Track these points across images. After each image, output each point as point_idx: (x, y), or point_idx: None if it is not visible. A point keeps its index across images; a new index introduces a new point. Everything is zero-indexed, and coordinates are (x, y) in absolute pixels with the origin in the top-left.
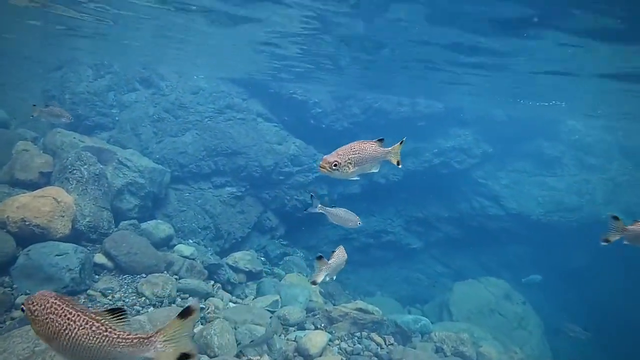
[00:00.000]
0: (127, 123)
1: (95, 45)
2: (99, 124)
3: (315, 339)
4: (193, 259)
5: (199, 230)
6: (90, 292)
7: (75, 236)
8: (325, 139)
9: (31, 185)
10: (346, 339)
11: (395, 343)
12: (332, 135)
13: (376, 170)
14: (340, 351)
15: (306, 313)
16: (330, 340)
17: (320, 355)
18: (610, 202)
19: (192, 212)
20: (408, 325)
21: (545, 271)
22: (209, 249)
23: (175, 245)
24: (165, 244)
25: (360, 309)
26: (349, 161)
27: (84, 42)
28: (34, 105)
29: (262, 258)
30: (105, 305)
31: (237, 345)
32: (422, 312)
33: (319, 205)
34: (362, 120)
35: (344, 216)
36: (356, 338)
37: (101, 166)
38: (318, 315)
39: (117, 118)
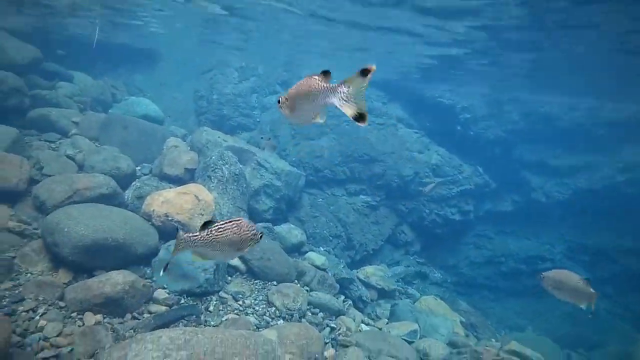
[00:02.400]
0: (267, 124)
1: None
2: (241, 125)
3: None
4: (324, 270)
5: (330, 238)
6: (222, 294)
7: None
8: (473, 148)
9: (177, 181)
10: None
11: None
12: (481, 145)
13: (321, 121)
14: None
15: (450, 349)
16: None
17: None
18: None
19: (324, 218)
20: None
21: None
22: (341, 260)
23: (306, 252)
24: (296, 249)
25: (515, 352)
26: (286, 102)
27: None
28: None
29: (388, 272)
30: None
31: None
32: (587, 359)
33: None
34: (521, 128)
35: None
36: None
37: (241, 166)
38: (465, 355)
39: (258, 119)
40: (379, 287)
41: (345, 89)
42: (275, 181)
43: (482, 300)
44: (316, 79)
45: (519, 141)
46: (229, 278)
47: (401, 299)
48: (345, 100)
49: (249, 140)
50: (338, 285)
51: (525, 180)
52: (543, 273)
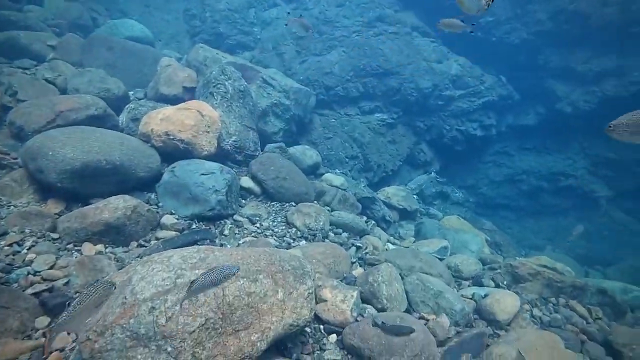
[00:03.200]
0: (268, 42)
1: None
2: (241, 43)
3: (505, 302)
4: (344, 190)
5: (347, 160)
6: (237, 217)
7: (221, 155)
8: (495, 55)
9: (175, 101)
10: (539, 304)
11: (605, 318)
12: (504, 51)
13: None
14: (533, 319)
15: (481, 265)
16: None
17: (510, 323)
18: None
19: (338, 139)
20: (616, 294)
21: None
22: (360, 180)
23: (323, 174)
24: (312, 172)
25: (547, 267)
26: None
27: None
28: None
29: (415, 196)
30: (253, 233)
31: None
32: (603, 275)
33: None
34: (549, 29)
35: None
36: (551, 305)
37: (245, 83)
38: (499, 270)
39: (258, 37)
40: (401, 207)
41: None
42: (283, 100)
43: (501, 221)
44: None
45: (545, 45)
46: (243, 201)
47: (422, 219)
48: None
49: (250, 60)
50: (360, 205)
51: (550, 89)
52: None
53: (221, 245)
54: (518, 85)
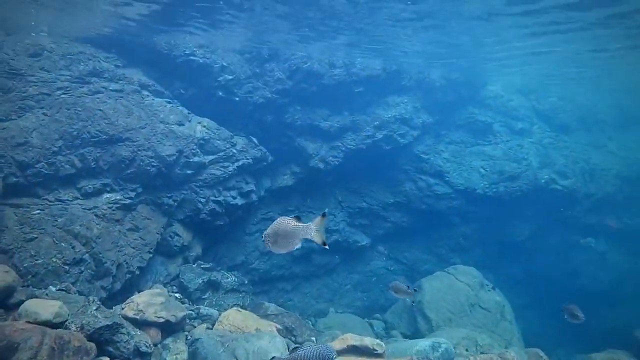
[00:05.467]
0: None
1: None
2: None
3: None
4: (61, 325)
5: (66, 267)
6: None
7: None
8: (241, 116)
9: None
10: None
11: None
12: (250, 111)
13: (298, 246)
14: None
15: None
16: None
17: None
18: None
19: (49, 239)
20: (427, 356)
21: (492, 246)
22: (91, 296)
23: (22, 302)
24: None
25: (355, 347)
26: (269, 237)
27: None
28: None
29: (177, 294)
30: None
31: None
32: (384, 322)
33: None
34: (289, 88)
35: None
36: None
37: None
38: None
39: None
40: (162, 320)
41: (314, 227)
42: None
43: (279, 294)
44: (291, 222)
45: (288, 103)
46: None
47: (194, 326)
48: (315, 232)
49: None
50: (94, 345)
51: (301, 147)
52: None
53: None
54: (270, 146)
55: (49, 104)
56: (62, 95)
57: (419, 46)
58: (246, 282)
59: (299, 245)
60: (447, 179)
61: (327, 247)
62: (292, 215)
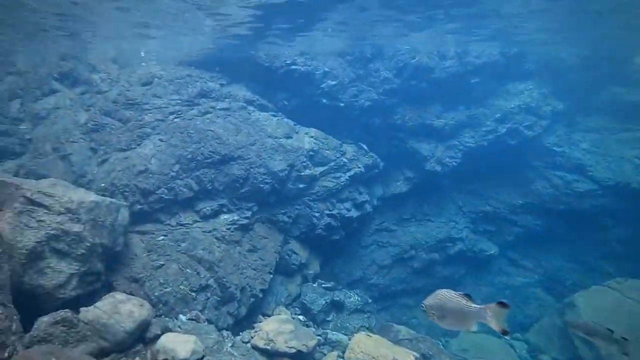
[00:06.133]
0: (44, 142)
1: None
2: None
3: None
4: None
5: (193, 294)
6: None
7: None
8: (347, 122)
9: None
10: None
11: None
12: (356, 116)
13: (474, 329)
14: None
15: None
16: None
17: None
18: None
19: (175, 265)
20: None
21: None
22: (220, 328)
23: (158, 336)
24: (137, 338)
25: None
26: (433, 310)
27: None
28: None
29: (301, 317)
30: None
31: None
32: (526, 342)
33: None
34: (397, 87)
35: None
36: None
37: None
38: None
39: (28, 136)
40: (293, 350)
41: (490, 313)
42: (69, 225)
43: (402, 311)
44: (462, 301)
45: (396, 104)
46: None
47: (324, 353)
48: (491, 319)
49: (16, 172)
50: None
51: (413, 149)
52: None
53: None
54: (379, 151)
55: (164, 129)
56: (175, 120)
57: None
58: (370, 301)
59: (474, 329)
60: (589, 173)
61: (507, 337)
62: (461, 292)
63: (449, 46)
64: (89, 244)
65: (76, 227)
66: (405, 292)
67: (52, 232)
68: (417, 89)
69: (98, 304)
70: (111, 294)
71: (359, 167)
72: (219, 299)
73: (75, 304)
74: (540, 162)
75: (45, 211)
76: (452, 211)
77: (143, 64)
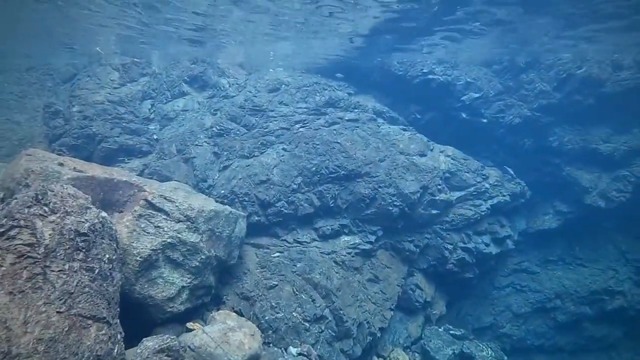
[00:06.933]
0: (171, 143)
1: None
2: (126, 147)
3: None
4: None
5: (306, 324)
6: None
7: None
8: (489, 141)
9: None
10: None
11: None
12: (501, 135)
13: None
14: None
15: None
16: None
17: None
18: None
19: (289, 288)
20: None
21: None
22: None
23: None
24: None
25: None
26: None
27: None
28: None
29: None
30: None
31: None
32: None
33: None
34: (557, 102)
35: None
36: None
37: (103, 214)
38: None
39: (155, 136)
40: None
41: None
42: (187, 234)
43: None
44: None
45: (555, 123)
46: None
47: None
48: None
49: (142, 171)
50: None
51: (571, 178)
52: None
53: None
54: (526, 177)
55: (288, 139)
56: (300, 129)
57: None
58: (506, 358)
59: None
60: None
61: None
62: None
63: (626, 53)
64: (204, 256)
65: (193, 237)
66: (543, 350)
67: (169, 240)
68: (581, 105)
69: (207, 328)
70: (221, 315)
71: (504, 196)
72: (333, 333)
73: (182, 318)
74: None
75: (165, 217)
76: (612, 257)
77: (271, 70)
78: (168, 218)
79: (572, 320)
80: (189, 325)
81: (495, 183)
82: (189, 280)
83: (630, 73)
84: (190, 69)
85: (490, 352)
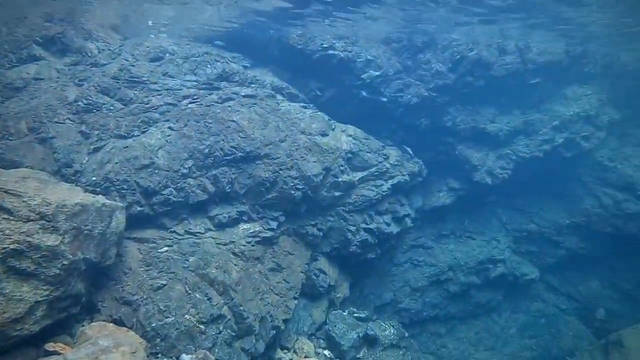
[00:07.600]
0: (19, 119)
1: None
2: None
3: None
4: None
5: (201, 327)
6: None
7: None
8: (388, 120)
9: None
10: None
11: None
12: (400, 114)
13: None
14: None
15: None
16: None
17: None
18: None
19: (180, 287)
20: None
21: None
22: None
23: None
24: None
25: None
26: None
27: None
28: None
29: (326, 352)
30: None
31: None
32: None
33: None
34: (451, 83)
35: None
36: None
37: None
38: None
39: None
40: None
41: None
42: (42, 237)
43: (431, 339)
44: None
45: (449, 103)
46: None
47: None
48: None
49: None
50: None
51: (462, 157)
52: None
53: None
54: (423, 156)
55: (175, 116)
56: (190, 105)
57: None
58: (406, 334)
59: None
60: (639, 192)
61: None
62: None
63: (509, 41)
64: (67, 262)
65: (51, 239)
66: (437, 319)
67: (13, 246)
68: (472, 87)
69: (70, 355)
70: (94, 329)
71: (404, 175)
72: (233, 333)
73: (41, 337)
74: (590, 178)
75: (5, 216)
76: (495, 228)
77: (152, 35)
78: (11, 217)
79: (462, 290)
80: (49, 346)
81: (396, 163)
82: (46, 293)
83: (512, 58)
84: (44, 27)
85: (392, 331)
